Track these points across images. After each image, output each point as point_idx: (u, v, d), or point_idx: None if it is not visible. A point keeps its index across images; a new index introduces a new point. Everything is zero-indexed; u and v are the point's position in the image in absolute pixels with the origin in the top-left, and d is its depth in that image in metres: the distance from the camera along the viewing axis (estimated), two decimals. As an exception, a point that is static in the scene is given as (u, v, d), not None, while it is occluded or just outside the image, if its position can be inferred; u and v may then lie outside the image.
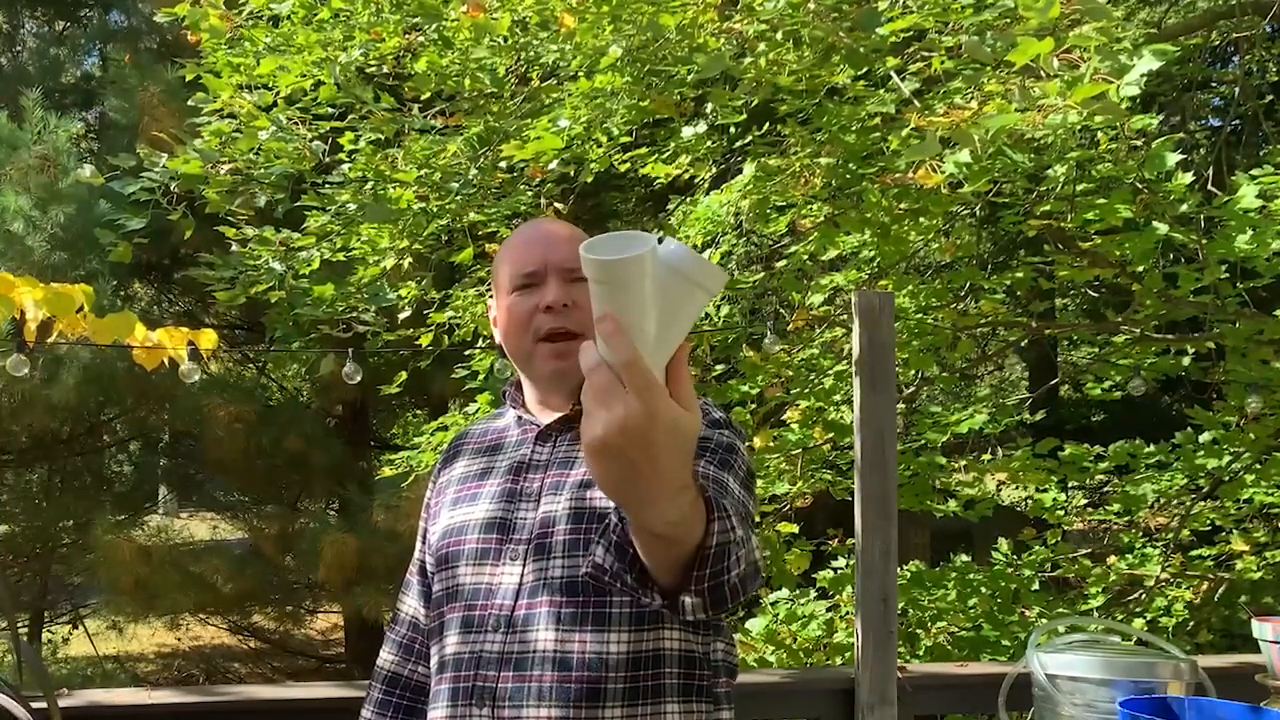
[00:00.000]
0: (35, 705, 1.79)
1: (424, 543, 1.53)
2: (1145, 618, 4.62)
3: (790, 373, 4.28)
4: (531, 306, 1.38)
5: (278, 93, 3.38)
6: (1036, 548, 4.85)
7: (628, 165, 3.77)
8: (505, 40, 3.32)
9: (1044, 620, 4.12)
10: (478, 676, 1.30)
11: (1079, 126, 2.53)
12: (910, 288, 4.36)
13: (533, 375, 1.45)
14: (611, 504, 1.08)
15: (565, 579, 1.30)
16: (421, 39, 3.35)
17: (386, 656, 1.55)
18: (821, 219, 3.93)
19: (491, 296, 1.52)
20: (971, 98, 2.73)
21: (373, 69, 3.48)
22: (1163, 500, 4.85)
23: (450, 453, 1.56)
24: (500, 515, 1.38)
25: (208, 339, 2.51)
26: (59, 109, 7.14)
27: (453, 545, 1.40)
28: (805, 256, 4.28)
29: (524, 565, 1.33)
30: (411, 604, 1.55)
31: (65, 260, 6.29)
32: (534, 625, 1.30)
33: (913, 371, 4.39)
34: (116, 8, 8.84)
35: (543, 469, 1.40)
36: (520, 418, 1.47)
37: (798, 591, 4.49)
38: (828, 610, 4.41)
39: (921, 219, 3.98)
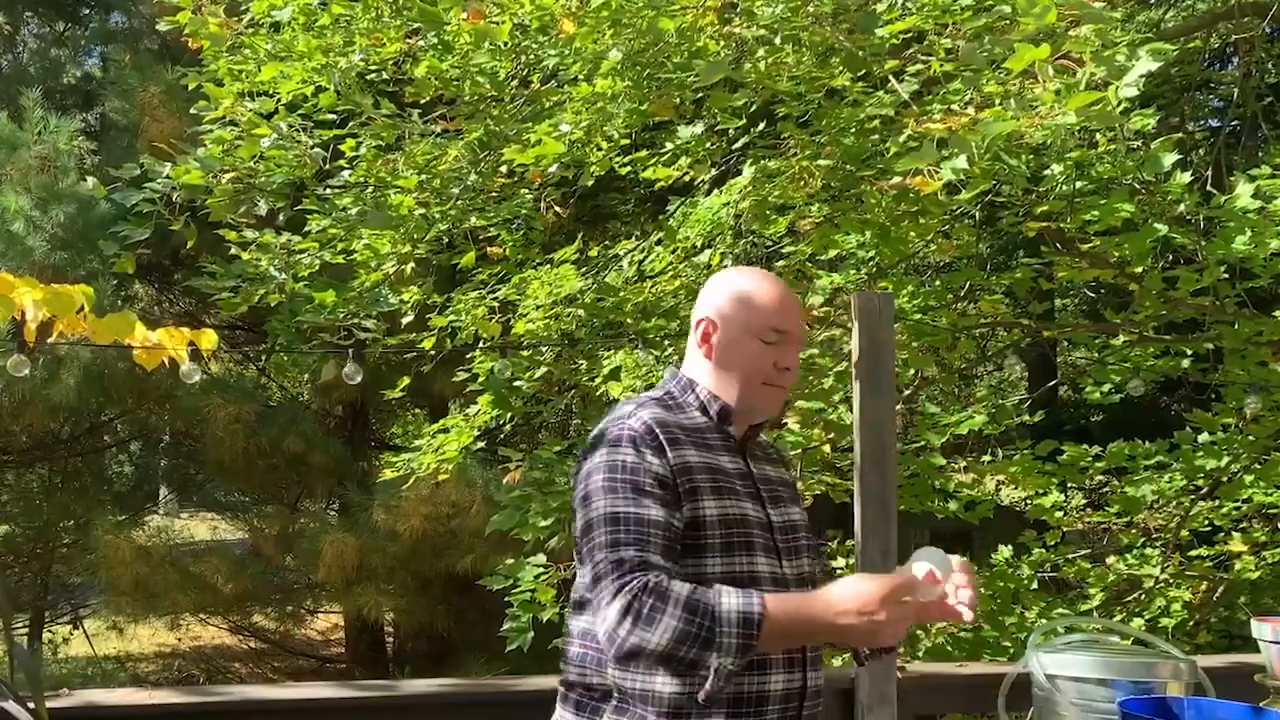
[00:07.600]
0: (33, 706, 1.79)
1: (677, 509, 1.49)
2: (1144, 618, 4.62)
3: (790, 373, 4.26)
4: (772, 360, 1.64)
5: (279, 99, 3.38)
6: (1036, 550, 4.85)
7: (628, 168, 3.78)
8: (505, 45, 3.32)
9: (1044, 621, 4.12)
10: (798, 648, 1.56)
11: (1077, 127, 2.53)
12: (910, 288, 4.36)
13: (745, 404, 1.65)
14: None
15: (809, 573, 1.63)
16: (421, 43, 3.35)
17: (661, 565, 1.45)
18: (821, 220, 3.94)
19: (707, 317, 1.67)
20: (969, 101, 2.73)
21: (373, 74, 3.48)
22: (1162, 501, 4.85)
23: (667, 437, 1.54)
24: (767, 518, 1.60)
25: (208, 339, 2.51)
26: (59, 110, 7.15)
27: (740, 535, 1.54)
28: (805, 257, 4.28)
29: (792, 561, 1.60)
30: (663, 561, 1.47)
31: (65, 260, 6.29)
32: None
33: (912, 372, 4.39)
34: (117, 9, 8.84)
35: (761, 480, 1.64)
36: (723, 428, 1.64)
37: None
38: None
39: (921, 219, 3.98)
